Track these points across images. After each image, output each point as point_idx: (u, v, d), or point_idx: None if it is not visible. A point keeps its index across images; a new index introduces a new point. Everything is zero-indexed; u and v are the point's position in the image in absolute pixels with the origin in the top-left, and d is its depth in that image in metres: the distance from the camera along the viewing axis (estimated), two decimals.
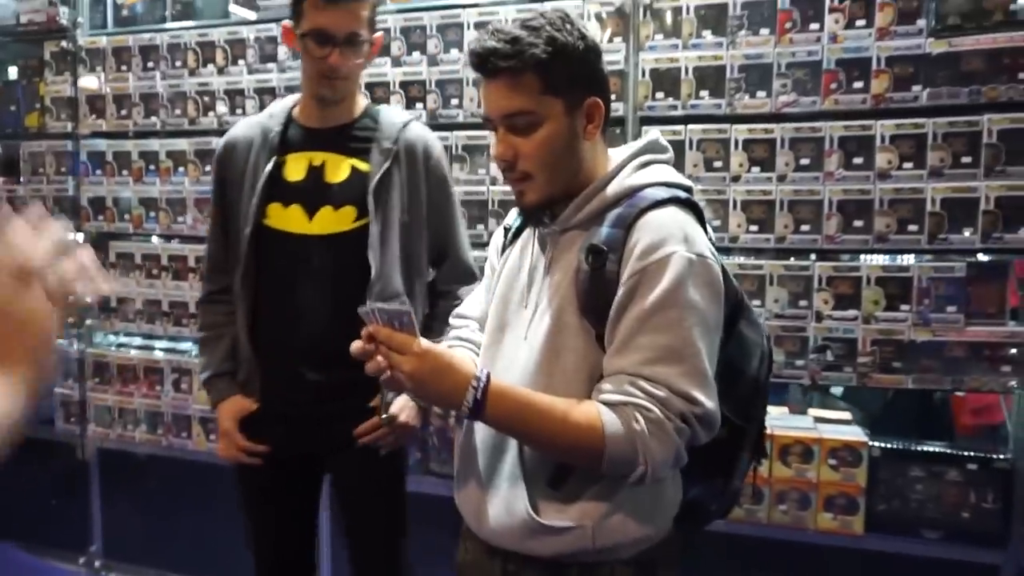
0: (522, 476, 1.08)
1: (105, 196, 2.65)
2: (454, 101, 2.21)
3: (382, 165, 1.53)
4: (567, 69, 1.05)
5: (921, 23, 1.84)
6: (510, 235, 1.28)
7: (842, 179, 1.91)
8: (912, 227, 1.87)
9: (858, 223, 1.90)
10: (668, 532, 1.13)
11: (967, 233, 1.83)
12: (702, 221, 1.10)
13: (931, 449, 1.95)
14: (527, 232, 1.24)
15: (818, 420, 2.13)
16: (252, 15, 2.47)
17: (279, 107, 1.62)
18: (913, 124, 1.85)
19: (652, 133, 1.16)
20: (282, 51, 2.38)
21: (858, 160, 1.90)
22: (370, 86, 2.24)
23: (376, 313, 1.03)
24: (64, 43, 2.63)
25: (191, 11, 2.58)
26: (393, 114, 1.62)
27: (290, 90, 2.38)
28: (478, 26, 2.18)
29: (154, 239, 2.68)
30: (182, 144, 2.53)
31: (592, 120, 1.08)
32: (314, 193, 1.54)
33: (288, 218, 1.54)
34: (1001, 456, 1.89)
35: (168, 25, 2.56)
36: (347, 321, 1.48)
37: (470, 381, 1.00)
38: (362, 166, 1.55)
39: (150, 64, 2.55)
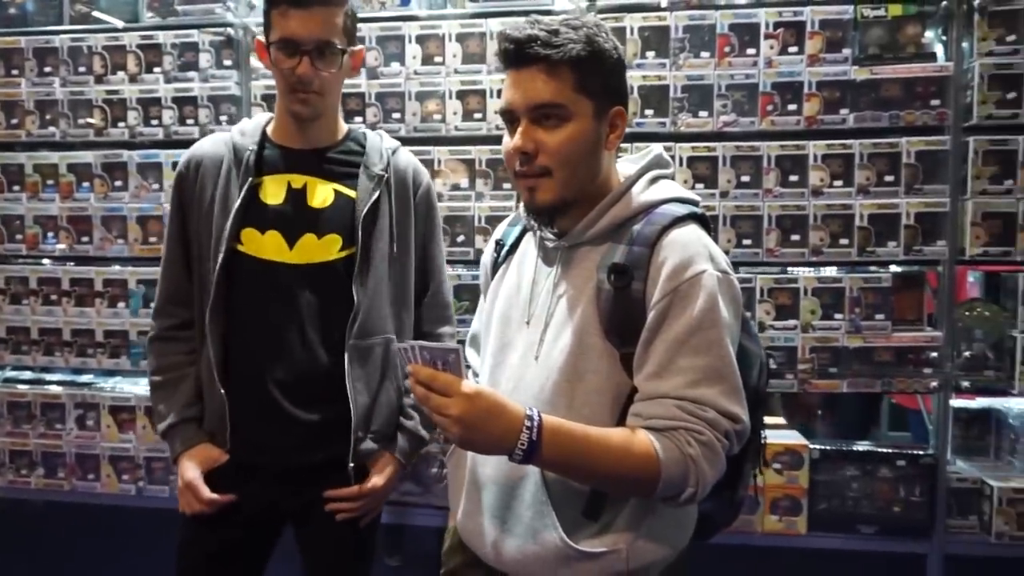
0: (549, 502, 1.04)
1: None
2: (395, 115, 2.15)
3: (372, 192, 1.43)
4: (601, 72, 1.04)
5: (847, 51, 1.97)
6: (504, 251, 1.24)
7: (779, 196, 2.01)
8: (843, 240, 2.00)
9: (795, 237, 2.01)
10: (683, 548, 1.13)
11: (891, 246, 1.98)
12: (710, 235, 1.11)
13: (865, 448, 2.08)
14: (524, 245, 1.21)
15: None
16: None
17: (250, 125, 1.49)
18: (842, 145, 1.98)
19: (656, 148, 1.17)
20: (204, 59, 2.23)
21: (794, 177, 2.01)
22: None
23: (417, 351, 0.95)
24: None
25: (92, 20, 2.36)
26: (380, 139, 1.52)
27: (212, 100, 2.23)
28: (419, 39, 2.13)
29: (47, 262, 2.42)
30: (87, 157, 2.30)
31: (615, 130, 1.08)
32: (295, 219, 1.41)
33: (265, 245, 1.40)
34: (925, 452, 2.04)
35: (67, 26, 2.33)
36: (331, 357, 1.41)
37: (523, 422, 0.94)
38: (348, 192, 1.44)
39: (47, 69, 2.32)
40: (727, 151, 2.02)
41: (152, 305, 1.55)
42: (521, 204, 1.24)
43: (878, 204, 1.97)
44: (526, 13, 2.07)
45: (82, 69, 2.29)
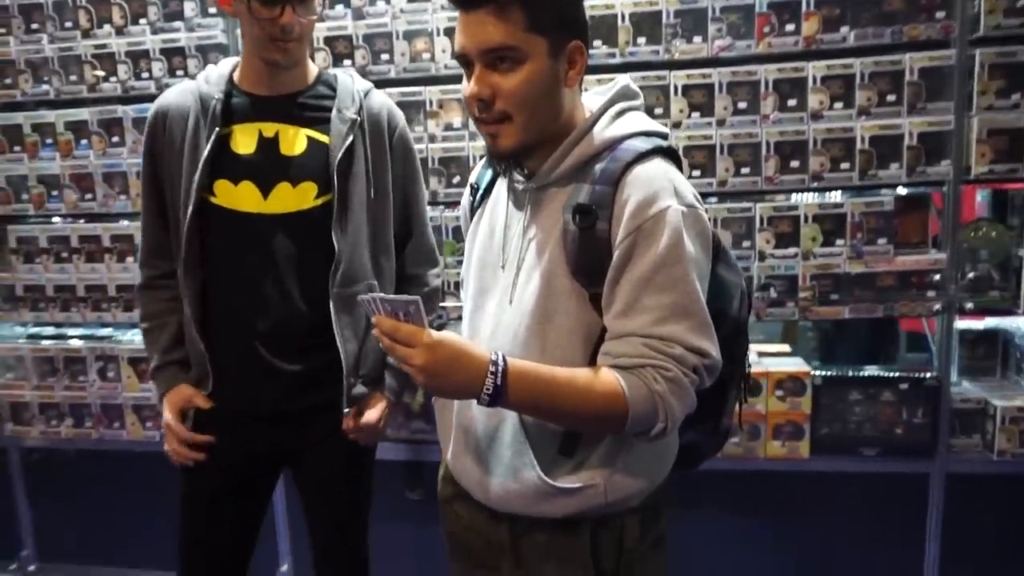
0: (527, 441, 1.07)
1: None
2: (384, 56, 2.11)
3: (345, 136, 1.41)
4: (554, 7, 1.00)
5: None
6: (479, 194, 1.23)
7: (778, 121, 1.96)
8: (844, 165, 1.95)
9: (794, 163, 1.97)
10: (664, 479, 1.16)
11: (893, 168, 1.93)
12: (679, 168, 1.10)
13: (868, 374, 2.09)
14: (497, 189, 1.20)
15: (762, 355, 2.23)
16: None
17: (215, 73, 1.47)
18: (842, 65, 1.91)
19: (622, 79, 1.14)
20: (189, 8, 2.20)
21: (792, 102, 1.95)
22: None
23: (379, 303, 0.97)
24: None
25: None
26: (351, 81, 1.49)
27: (200, 50, 2.21)
28: None
29: (57, 220, 2.47)
30: (83, 114, 2.30)
31: (574, 66, 1.05)
32: (268, 168, 1.40)
33: (239, 196, 1.40)
34: (929, 375, 2.04)
35: None
36: (312, 307, 1.42)
37: (487, 367, 0.96)
38: (321, 137, 1.43)
39: (34, 26, 2.30)
40: (723, 77, 1.96)
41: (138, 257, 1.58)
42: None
43: (880, 125, 1.91)
44: None
45: (68, 24, 2.27)
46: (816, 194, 2.04)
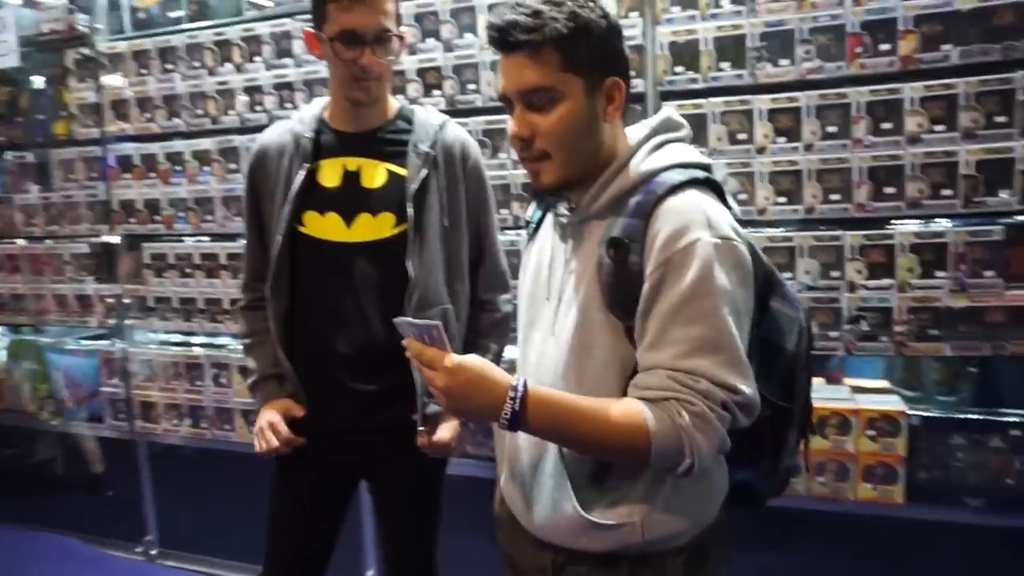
0: (565, 473, 1.09)
1: (135, 198, 2.70)
2: (471, 86, 2.20)
3: (420, 169, 1.50)
4: (588, 46, 1.02)
5: None
6: (531, 228, 1.27)
7: (871, 145, 1.86)
8: (946, 191, 1.82)
9: (889, 190, 1.86)
10: (717, 517, 1.13)
11: (1004, 195, 1.78)
12: (723, 199, 1.08)
13: (972, 417, 1.92)
14: (546, 223, 1.23)
15: (856, 390, 2.10)
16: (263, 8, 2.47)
17: (309, 112, 1.59)
18: (943, 85, 1.79)
19: (665, 110, 1.14)
20: (297, 45, 2.39)
21: (887, 125, 1.84)
22: None
23: (407, 326, 1.02)
24: (85, 49, 2.67)
25: (206, 10, 2.59)
26: (428, 115, 1.58)
27: (308, 84, 2.39)
28: (491, 8, 2.15)
29: (185, 238, 2.73)
30: (205, 143, 2.56)
31: (612, 101, 1.06)
32: (351, 200, 1.51)
33: (325, 226, 1.51)
34: None
35: (184, 26, 2.57)
36: (389, 330, 1.48)
37: (507, 392, 0.99)
38: (399, 170, 1.52)
39: (169, 66, 2.58)
40: (811, 100, 1.89)
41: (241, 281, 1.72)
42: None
43: (987, 149, 1.77)
44: None
45: (196, 64, 2.53)
46: (914, 222, 1.91)
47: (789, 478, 1.27)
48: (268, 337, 1.61)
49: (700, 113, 1.96)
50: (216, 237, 2.63)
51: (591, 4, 1.04)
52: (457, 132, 1.59)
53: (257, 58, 2.44)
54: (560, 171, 1.06)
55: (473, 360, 1.02)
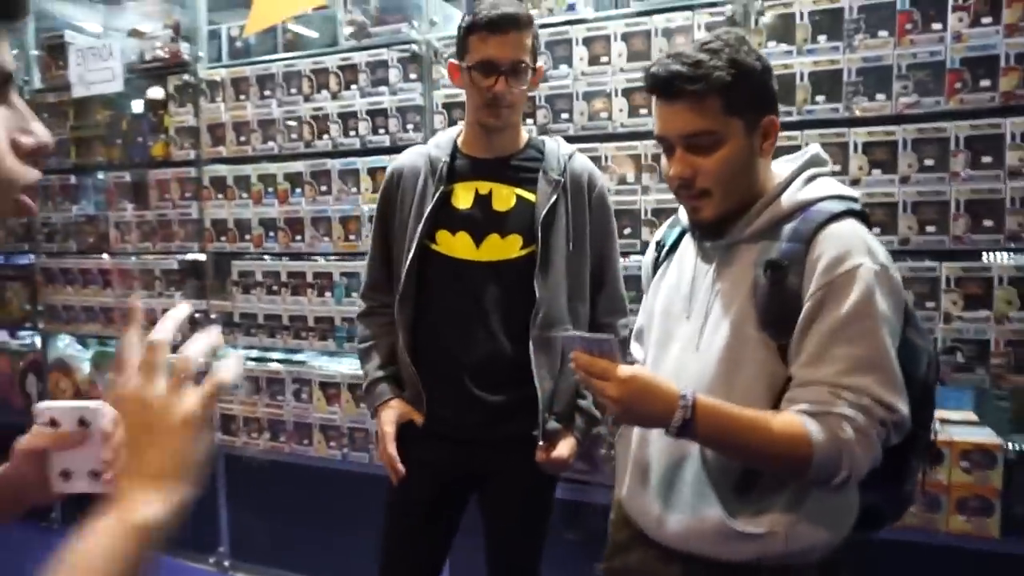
0: (709, 483, 1.13)
1: (227, 218, 2.81)
2: (564, 115, 2.27)
3: (550, 196, 1.57)
4: (748, 90, 1.09)
5: None
6: (664, 250, 1.32)
7: (969, 179, 1.88)
8: None
9: (988, 223, 1.88)
10: (847, 537, 1.16)
11: None
12: (869, 230, 1.12)
13: None
14: (684, 245, 1.28)
15: (944, 422, 2.10)
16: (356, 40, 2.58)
17: (445, 138, 1.69)
18: None
19: (813, 147, 1.19)
20: (393, 74, 2.48)
21: (987, 159, 1.87)
22: None
23: (576, 340, 1.08)
24: (186, 76, 2.80)
25: (301, 41, 2.71)
26: (557, 145, 1.66)
27: (401, 111, 2.48)
28: (586, 41, 2.23)
29: (267, 258, 2.82)
30: (298, 166, 2.66)
31: (768, 137, 1.13)
32: (482, 221, 1.59)
33: (455, 244, 1.59)
34: None
35: (283, 54, 2.69)
36: (514, 345, 1.57)
37: (677, 401, 1.04)
38: (528, 196, 1.60)
39: (267, 92, 2.69)
40: (908, 134, 1.92)
41: (359, 291, 1.81)
42: (680, 209, 1.32)
43: None
44: (690, 8, 2.11)
45: (293, 91, 2.64)
46: (1013, 256, 1.92)
47: (909, 504, 1.29)
48: (384, 340, 1.69)
49: (794, 144, 2.00)
50: (301, 256, 2.72)
51: (744, 48, 1.10)
52: (584, 162, 1.66)
53: (353, 86, 2.54)
54: (720, 207, 1.13)
55: (644, 371, 1.08)
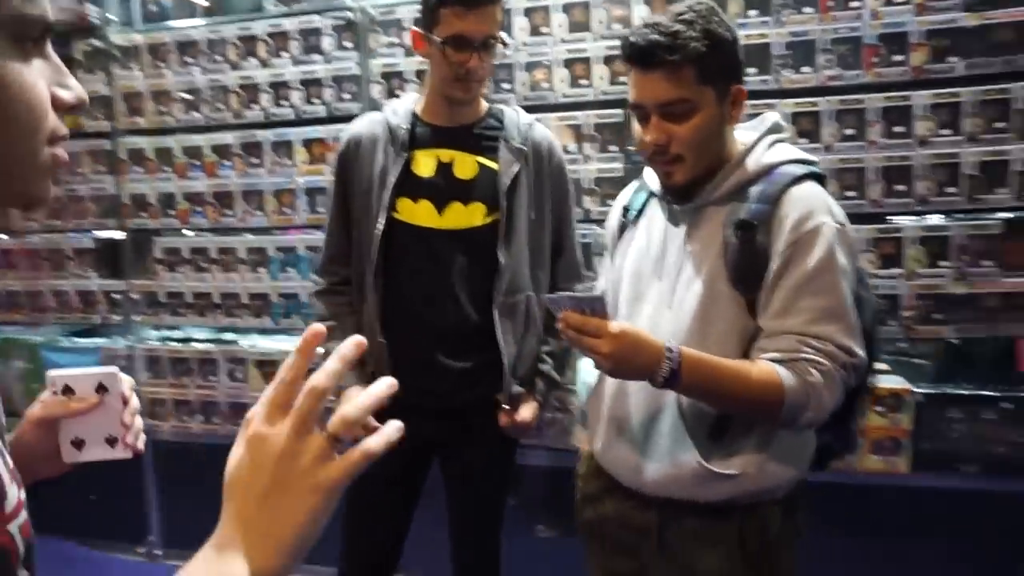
0: (685, 431, 1.20)
1: (147, 193, 2.66)
2: (505, 85, 2.28)
3: (513, 164, 1.59)
4: (720, 60, 1.15)
5: None
6: (632, 214, 1.38)
7: (884, 147, 2.05)
8: (950, 189, 2.02)
9: (900, 187, 2.05)
10: (804, 474, 1.27)
11: (1001, 193, 1.99)
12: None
13: (968, 392, 2.13)
14: (651, 209, 1.34)
15: None
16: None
17: (402, 107, 1.66)
18: (950, 93, 1.99)
19: (771, 115, 1.27)
20: (327, 42, 2.42)
21: (899, 129, 2.03)
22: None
23: (566, 300, 1.12)
24: (95, 41, 2.61)
25: (223, 5, 2.58)
26: (517, 114, 1.68)
27: (336, 81, 2.42)
28: (527, 12, 2.24)
29: (188, 233, 2.70)
30: (227, 138, 2.55)
31: (736, 105, 1.19)
32: (444, 189, 1.59)
33: (418, 212, 1.59)
34: None
35: (207, 20, 2.56)
36: (478, 312, 1.59)
37: (664, 353, 1.10)
38: (490, 164, 1.61)
39: (188, 60, 2.56)
40: (830, 105, 2.06)
41: (316, 266, 1.76)
42: (644, 174, 1.38)
43: (987, 151, 1.98)
44: None
45: (218, 58, 2.52)
46: (921, 218, 2.11)
47: (855, 442, 1.42)
48: (347, 321, 1.67)
49: None
50: (235, 231, 2.62)
51: (715, 19, 1.15)
52: (544, 131, 1.69)
53: (284, 54, 2.46)
54: (691, 171, 1.19)
55: (632, 327, 1.13)
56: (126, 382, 0.82)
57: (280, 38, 2.46)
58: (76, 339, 2.95)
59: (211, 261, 2.63)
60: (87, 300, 2.79)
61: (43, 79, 0.54)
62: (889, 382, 2.18)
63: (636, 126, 1.21)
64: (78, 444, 0.79)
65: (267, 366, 2.63)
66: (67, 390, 0.79)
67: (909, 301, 2.08)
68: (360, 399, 0.57)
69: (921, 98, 2.01)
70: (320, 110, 2.44)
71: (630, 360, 1.10)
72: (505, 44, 1.57)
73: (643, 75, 1.16)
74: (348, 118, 2.39)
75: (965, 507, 2.19)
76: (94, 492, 3.06)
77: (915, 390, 2.13)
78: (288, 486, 0.53)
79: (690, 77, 1.13)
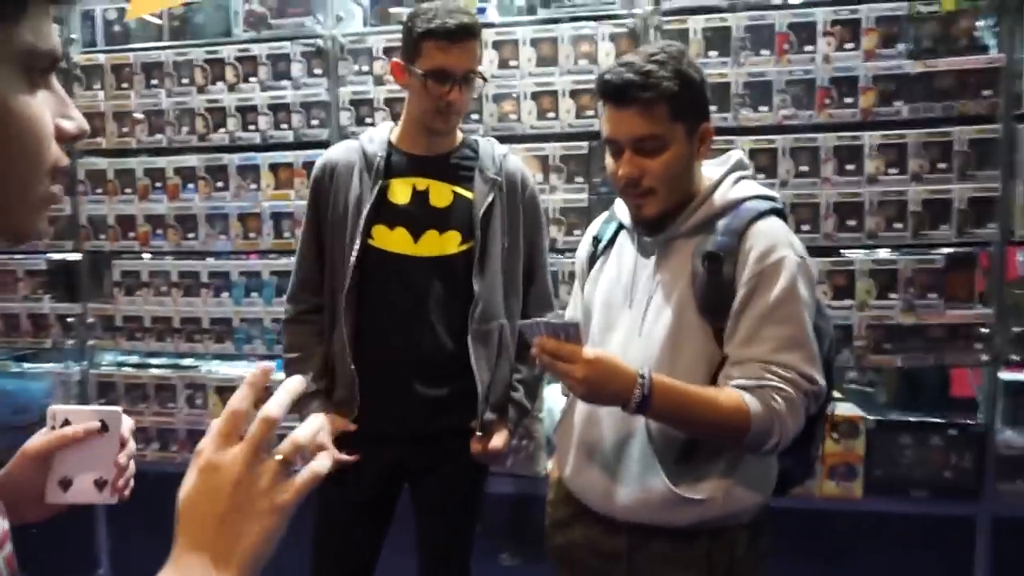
0: (654, 456, 1.23)
1: (107, 214, 2.62)
2: (474, 116, 2.32)
3: (487, 194, 1.62)
4: (690, 99, 1.21)
5: (901, 46, 2.09)
6: (601, 245, 1.42)
7: (836, 184, 2.15)
8: (897, 225, 2.13)
9: (851, 222, 2.15)
10: (768, 499, 1.31)
11: (943, 229, 2.11)
12: None
13: (917, 419, 2.23)
14: (621, 241, 1.38)
15: None
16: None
17: (378, 135, 1.68)
18: (897, 135, 2.11)
19: (736, 153, 1.34)
20: (296, 68, 2.43)
21: (850, 167, 2.14)
22: None
23: (541, 326, 1.14)
24: None
25: (189, 28, 2.57)
26: (491, 145, 1.71)
27: (305, 107, 2.43)
28: (495, 45, 2.30)
29: (146, 256, 2.65)
30: (191, 160, 2.53)
31: (704, 142, 1.25)
32: (419, 217, 1.61)
33: (393, 239, 1.60)
34: (974, 422, 2.18)
35: (173, 43, 2.55)
36: (453, 339, 1.60)
37: (636, 379, 1.13)
38: (465, 193, 1.63)
39: (154, 81, 2.54)
40: (786, 143, 2.16)
41: (287, 292, 1.73)
42: (615, 206, 1.43)
43: (931, 190, 2.10)
44: (596, 18, 2.24)
45: (185, 81, 2.51)
46: (871, 252, 2.21)
47: (813, 468, 1.47)
48: (316, 350, 1.66)
49: None
50: (194, 256, 2.59)
51: (686, 60, 1.22)
52: (517, 162, 1.72)
53: (252, 78, 2.46)
54: (662, 204, 1.24)
55: (606, 353, 1.16)
56: (127, 424, 0.81)
57: (248, 62, 2.46)
58: (25, 364, 2.86)
59: (172, 285, 2.59)
60: (38, 324, 2.71)
61: (48, 110, 0.55)
62: (843, 410, 2.27)
63: (609, 160, 1.26)
64: (65, 484, 0.77)
65: (228, 392, 2.58)
66: (66, 424, 0.77)
67: (860, 331, 2.16)
68: (310, 422, 0.59)
69: (871, 138, 2.12)
70: (288, 135, 2.44)
71: (604, 386, 1.13)
72: (484, 79, 1.61)
73: (618, 111, 1.21)
74: (316, 144, 2.43)
75: (915, 530, 2.27)
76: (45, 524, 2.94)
77: (867, 417, 2.22)
78: (246, 509, 0.55)
79: (662, 114, 1.19)
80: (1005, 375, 2.22)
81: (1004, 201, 2.07)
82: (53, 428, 0.78)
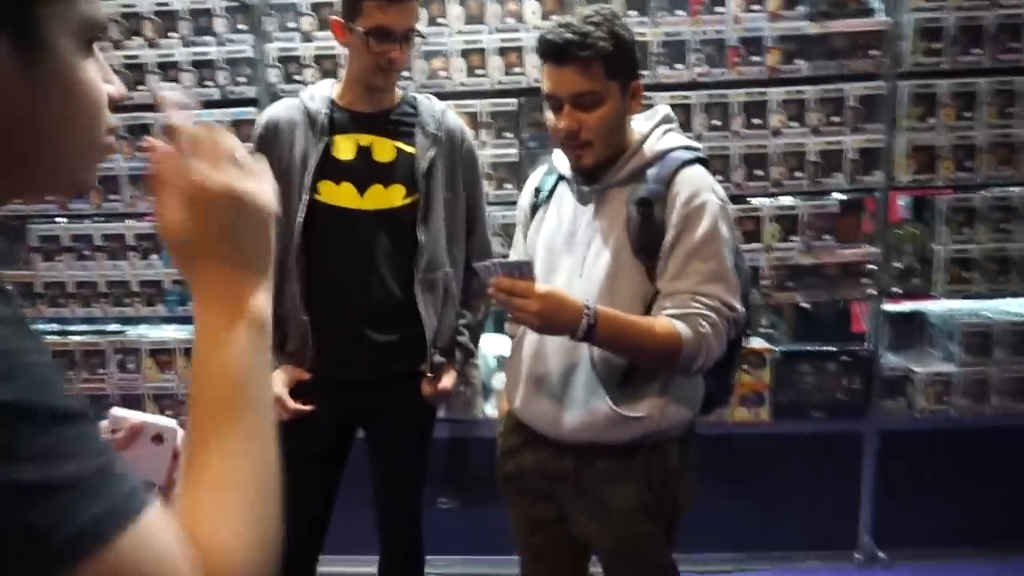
0: (598, 381, 1.38)
1: None
2: (404, 73, 2.37)
3: (429, 148, 1.69)
4: (623, 58, 1.33)
5: (802, 8, 2.28)
6: (543, 195, 1.53)
7: (745, 137, 2.34)
8: (798, 173, 2.35)
9: (758, 172, 2.35)
10: (696, 415, 1.49)
11: (837, 177, 2.34)
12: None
13: (814, 349, 2.49)
14: (560, 191, 1.50)
15: None
16: None
17: (319, 92, 1.70)
18: (797, 91, 2.31)
19: (663, 108, 1.47)
20: (220, 24, 2.39)
21: (757, 121, 2.33)
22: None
23: (497, 267, 1.25)
24: None
25: None
26: (430, 102, 1.77)
27: (229, 63, 2.40)
28: (425, 3, 2.34)
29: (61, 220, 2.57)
30: (111, 120, 2.44)
31: (635, 98, 1.38)
32: (364, 172, 1.66)
33: (340, 194, 1.66)
34: (863, 348, 2.46)
35: None
36: (401, 288, 1.69)
37: (583, 311, 1.26)
38: (407, 148, 1.70)
39: None
40: (700, 99, 2.32)
41: None
42: (553, 158, 1.54)
43: (827, 142, 2.32)
44: None
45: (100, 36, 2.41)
46: (776, 199, 2.43)
47: (732, 391, 1.66)
48: None
49: None
50: (122, 217, 2.53)
51: (619, 22, 1.33)
52: (456, 118, 1.80)
53: (172, 34, 2.40)
54: (599, 155, 1.37)
55: (556, 288, 1.29)
56: (180, 436, 0.75)
57: (167, 17, 2.39)
58: None
59: (95, 248, 2.52)
60: None
61: (98, 76, 0.60)
62: (752, 343, 2.50)
63: (549, 115, 1.37)
64: None
65: (162, 354, 2.57)
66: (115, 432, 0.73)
67: (767, 271, 2.39)
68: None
69: (775, 95, 2.31)
70: (214, 93, 2.41)
71: (555, 317, 1.26)
72: (423, 37, 1.67)
73: (558, 69, 1.31)
74: (243, 102, 2.41)
75: (814, 447, 2.55)
76: None
77: (774, 349, 2.47)
78: (247, 214, 0.61)
79: (599, 72, 1.30)
80: (888, 306, 2.51)
81: (888, 151, 2.32)
82: (114, 432, 0.74)
